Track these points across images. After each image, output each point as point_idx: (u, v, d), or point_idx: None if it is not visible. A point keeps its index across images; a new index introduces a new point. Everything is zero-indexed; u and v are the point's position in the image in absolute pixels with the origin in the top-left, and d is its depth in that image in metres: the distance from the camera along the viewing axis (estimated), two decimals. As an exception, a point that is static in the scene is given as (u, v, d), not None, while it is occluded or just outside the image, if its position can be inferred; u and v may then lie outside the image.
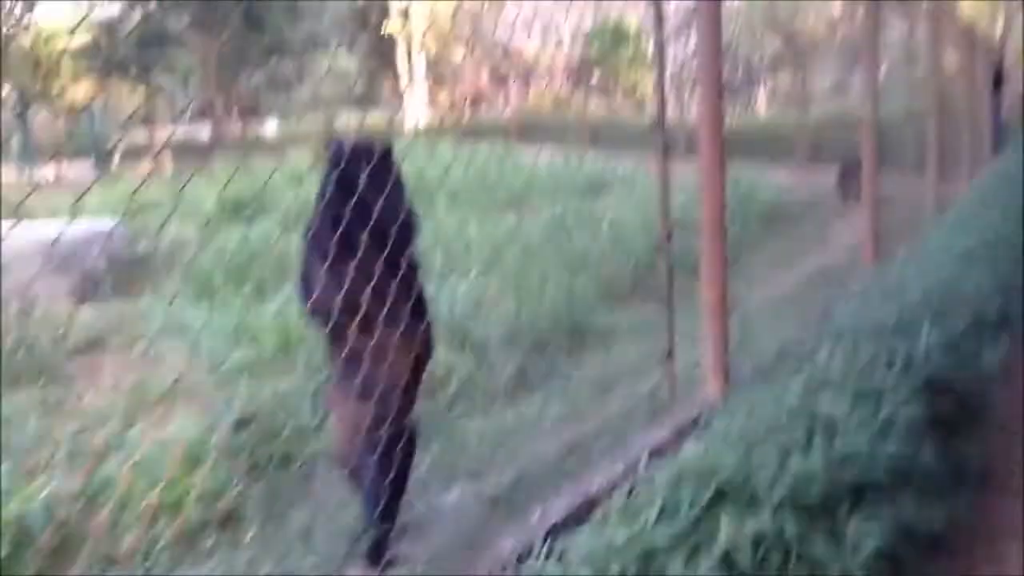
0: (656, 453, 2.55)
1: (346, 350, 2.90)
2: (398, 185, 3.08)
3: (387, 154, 3.11)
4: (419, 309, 3.13)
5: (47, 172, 24.02)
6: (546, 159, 16.58)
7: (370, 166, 2.92)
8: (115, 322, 7.06)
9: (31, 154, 21.80)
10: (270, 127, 32.85)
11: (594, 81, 25.37)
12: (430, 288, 3.53)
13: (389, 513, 3.12)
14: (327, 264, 2.87)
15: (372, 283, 2.80)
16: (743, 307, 5.45)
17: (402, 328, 2.96)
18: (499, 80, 34.22)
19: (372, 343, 2.87)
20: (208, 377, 5.23)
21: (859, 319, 3.19)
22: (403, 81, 35.86)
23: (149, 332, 6.53)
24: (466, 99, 34.33)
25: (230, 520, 3.55)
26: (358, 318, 2.80)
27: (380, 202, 2.90)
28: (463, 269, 7.48)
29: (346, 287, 2.79)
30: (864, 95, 5.99)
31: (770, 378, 2.73)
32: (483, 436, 4.40)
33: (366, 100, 42.55)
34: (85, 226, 9.23)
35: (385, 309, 2.87)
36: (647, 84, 21.58)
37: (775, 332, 5.35)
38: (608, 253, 7.63)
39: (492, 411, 4.76)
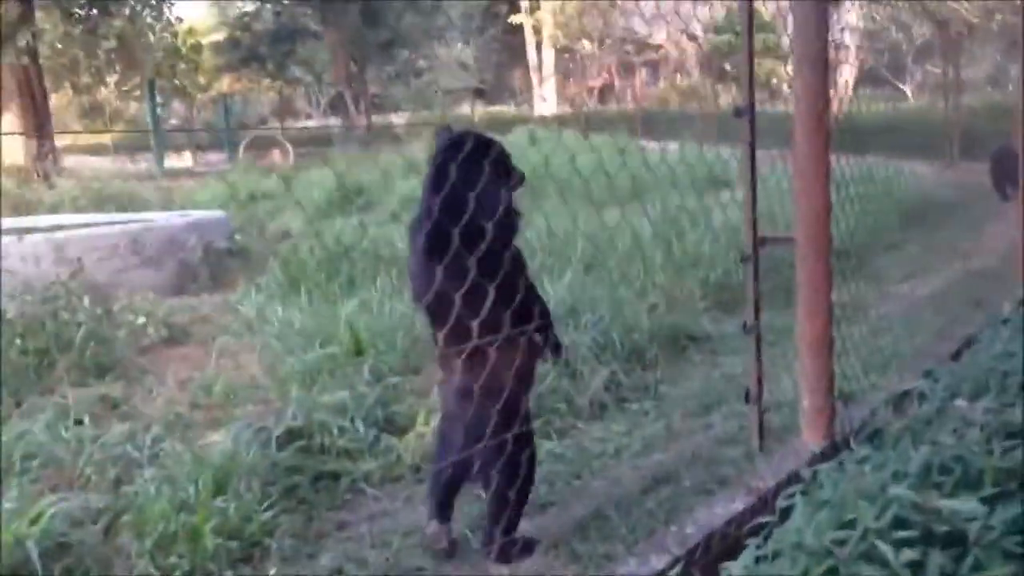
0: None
1: (445, 347, 2.93)
2: (500, 178, 3.00)
3: (491, 145, 3.03)
4: (525, 308, 2.97)
5: (181, 162, 24.74)
6: (670, 151, 15.84)
7: (473, 157, 2.89)
8: (201, 315, 6.84)
9: (163, 146, 22.33)
10: (397, 119, 33.07)
11: (726, 70, 24.31)
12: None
13: (512, 523, 3.03)
14: (424, 256, 2.85)
15: (468, 278, 2.74)
16: (862, 325, 4.74)
17: (506, 328, 2.86)
18: (628, 71, 33.44)
19: (474, 342, 2.81)
20: (272, 380, 4.86)
21: (1010, 357, 2.51)
22: (532, 73, 35.73)
23: (231, 327, 6.26)
24: (593, 91, 33.78)
25: (253, 553, 3.12)
26: (454, 314, 2.75)
27: (479, 195, 2.84)
28: (561, 268, 6.98)
29: (439, 281, 2.75)
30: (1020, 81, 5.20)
31: (885, 437, 2.12)
32: (558, 460, 3.86)
33: (496, 92, 42.66)
34: (192, 217, 9.15)
35: (485, 306, 2.78)
36: (781, 74, 20.50)
37: (900, 361, 4.65)
38: (719, 254, 6.93)
39: (572, 431, 4.22)
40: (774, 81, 23.11)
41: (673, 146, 16.87)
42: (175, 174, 19.04)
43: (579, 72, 34.87)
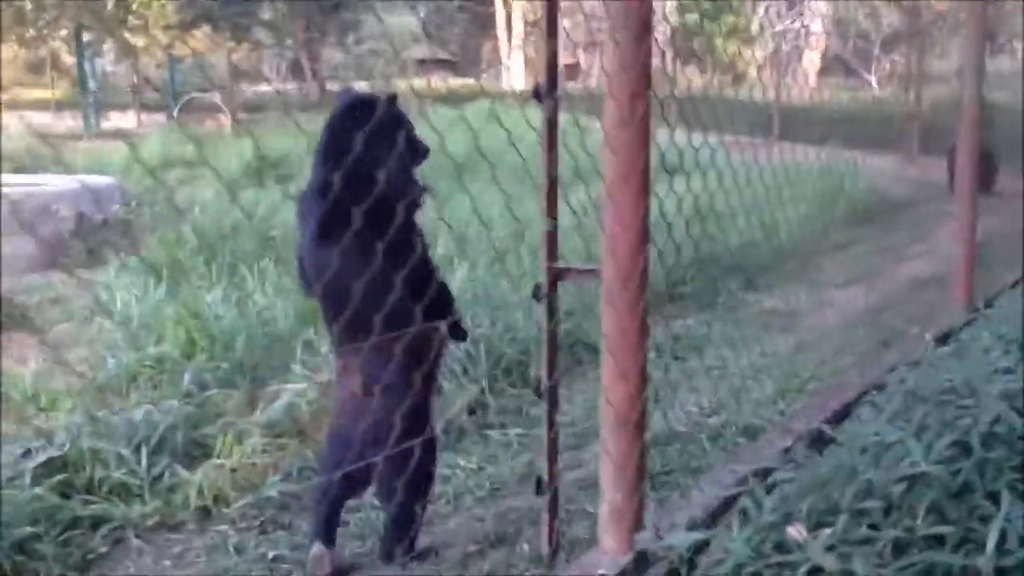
0: None
1: (337, 335, 2.65)
2: (403, 149, 2.62)
3: (393, 112, 2.69)
4: (429, 294, 2.59)
5: (125, 122, 23.67)
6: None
7: (371, 123, 2.47)
8: (53, 297, 6.07)
9: (94, 105, 21.28)
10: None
11: (693, 49, 23.62)
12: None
13: (414, 537, 2.75)
14: (316, 238, 2.57)
15: (365, 263, 2.33)
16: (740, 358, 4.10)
17: (411, 318, 2.50)
18: (595, 48, 32.60)
19: (369, 328, 2.40)
20: (84, 385, 4.13)
21: (883, 451, 1.82)
22: (501, 46, 34.84)
23: (77, 313, 5.51)
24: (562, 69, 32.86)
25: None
26: (350, 304, 2.34)
27: (378, 168, 2.53)
28: (464, 259, 6.30)
29: (332, 266, 2.38)
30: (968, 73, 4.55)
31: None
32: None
33: (465, 64, 41.68)
34: (75, 183, 8.33)
35: (384, 294, 2.40)
36: (747, 55, 19.83)
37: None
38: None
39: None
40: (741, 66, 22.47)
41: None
42: (112, 135, 18.05)
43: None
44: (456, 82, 36.47)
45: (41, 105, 25.42)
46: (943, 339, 3.54)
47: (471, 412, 3.94)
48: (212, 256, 6.49)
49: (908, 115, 14.47)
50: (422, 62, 40.02)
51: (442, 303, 2.75)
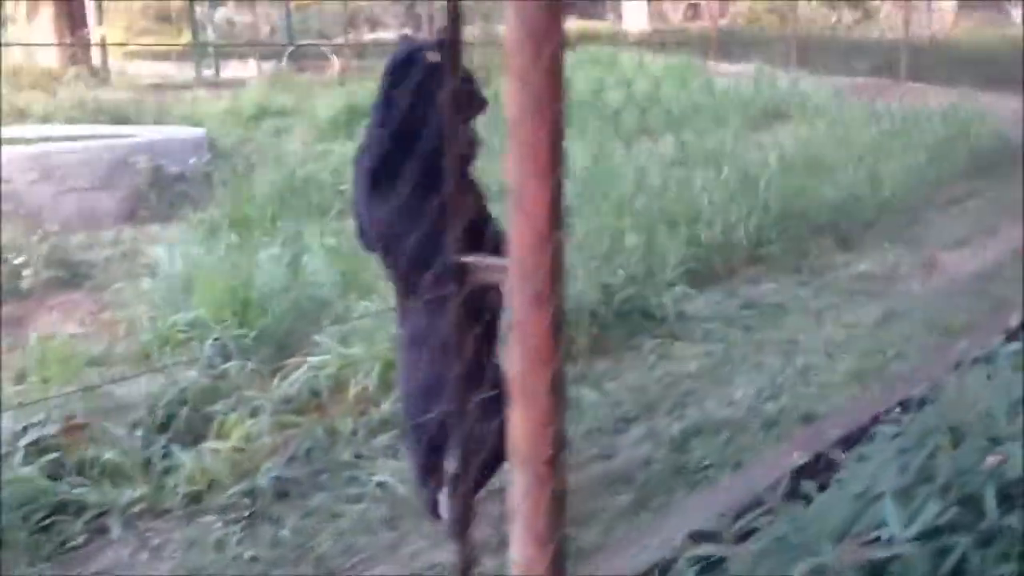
0: None
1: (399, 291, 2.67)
2: (459, 102, 2.18)
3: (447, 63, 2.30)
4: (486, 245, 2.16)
5: (244, 71, 24.01)
6: (742, 77, 14.41)
7: (425, 73, 2.44)
8: (119, 252, 6.04)
9: (203, 54, 21.58)
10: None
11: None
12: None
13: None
14: (368, 189, 2.59)
15: (416, 214, 2.35)
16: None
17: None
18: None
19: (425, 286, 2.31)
20: (121, 349, 4.04)
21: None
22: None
23: (136, 270, 5.46)
24: (680, 6, 31.73)
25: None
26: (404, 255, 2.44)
27: (430, 117, 2.39)
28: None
29: (386, 216, 2.50)
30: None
31: None
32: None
33: (586, 4, 40.76)
34: (160, 134, 8.35)
35: (438, 245, 2.04)
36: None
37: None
38: (719, 209, 5.76)
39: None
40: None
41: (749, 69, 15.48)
42: (225, 85, 18.27)
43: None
44: (576, 24, 35.82)
45: (164, 55, 26.06)
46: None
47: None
48: (280, 211, 6.38)
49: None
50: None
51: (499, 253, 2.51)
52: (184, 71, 23.60)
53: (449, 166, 2.11)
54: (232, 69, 24.37)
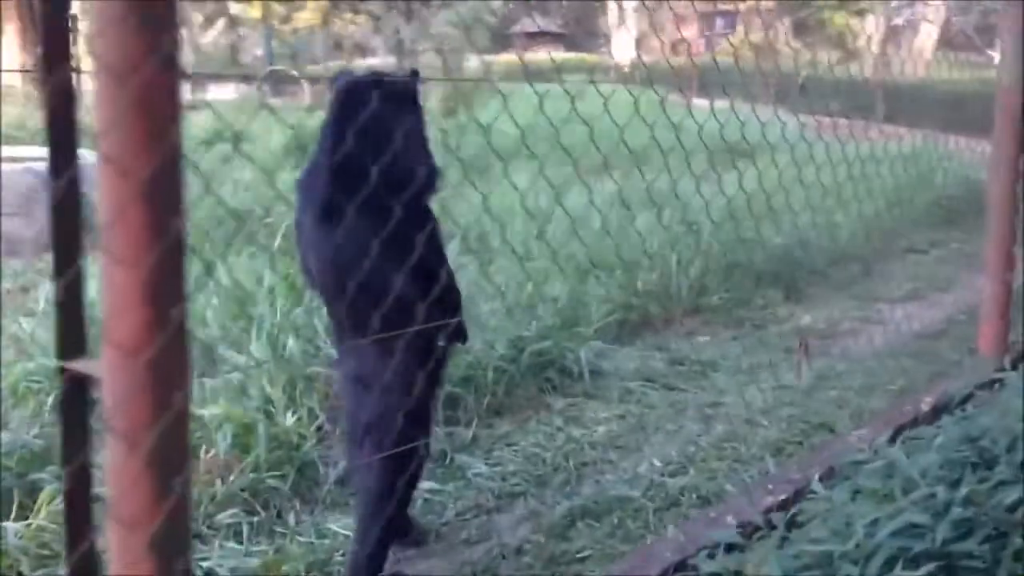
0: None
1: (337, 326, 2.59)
2: (416, 129, 2.53)
3: (406, 90, 2.57)
4: (437, 286, 2.44)
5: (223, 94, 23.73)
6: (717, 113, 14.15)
7: (376, 104, 2.31)
8: (17, 287, 5.68)
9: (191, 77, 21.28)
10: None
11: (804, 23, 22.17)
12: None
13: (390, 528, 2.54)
14: (319, 220, 2.41)
15: (369, 248, 2.23)
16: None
17: (416, 310, 2.38)
18: (705, 21, 31.24)
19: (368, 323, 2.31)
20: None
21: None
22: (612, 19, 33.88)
23: (27, 306, 5.10)
24: (667, 44, 31.67)
25: None
26: (352, 292, 2.29)
27: (387, 147, 2.32)
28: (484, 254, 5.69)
29: (335, 251, 2.35)
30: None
31: None
32: None
33: (577, 37, 40.74)
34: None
35: (390, 282, 2.31)
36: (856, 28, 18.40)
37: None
38: (638, 255, 5.42)
39: (301, 523, 2.91)
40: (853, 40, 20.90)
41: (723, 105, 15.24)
42: (200, 107, 17.92)
43: (656, 22, 32.84)
44: (565, 55, 35.77)
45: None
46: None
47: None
48: (196, 245, 6.03)
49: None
50: (531, 35, 39.43)
51: (450, 299, 2.54)
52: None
53: (409, 199, 2.31)
54: (213, 92, 24.16)
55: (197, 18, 29.48)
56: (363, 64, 28.30)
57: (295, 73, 17.83)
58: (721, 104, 14.48)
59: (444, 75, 17.14)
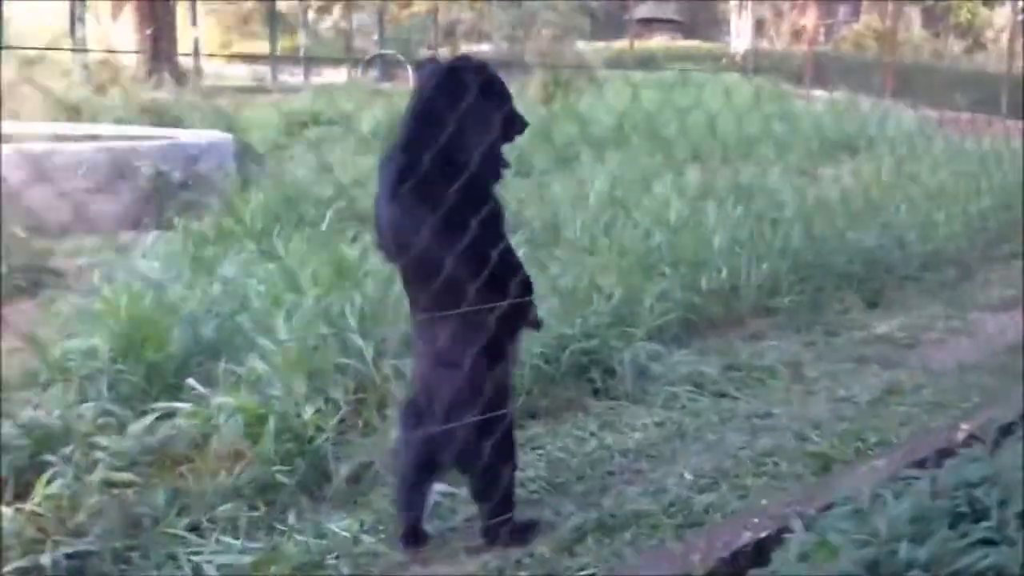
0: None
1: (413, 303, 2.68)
2: (494, 121, 2.64)
3: (491, 82, 2.68)
4: (506, 269, 2.58)
5: (337, 77, 24.10)
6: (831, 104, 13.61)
7: (464, 93, 2.55)
8: (97, 261, 5.78)
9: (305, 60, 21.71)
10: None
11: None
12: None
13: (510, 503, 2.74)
14: (387, 197, 2.55)
15: (431, 228, 2.42)
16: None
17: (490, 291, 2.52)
18: (827, 8, 30.10)
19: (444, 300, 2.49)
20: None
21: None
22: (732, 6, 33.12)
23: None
24: (785, 32, 30.72)
25: None
26: (418, 266, 2.52)
27: (462, 135, 2.51)
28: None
29: (405, 229, 2.50)
30: None
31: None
32: None
33: (696, 25, 39.91)
34: (193, 138, 8.19)
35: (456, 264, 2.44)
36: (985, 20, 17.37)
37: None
38: (729, 251, 5.15)
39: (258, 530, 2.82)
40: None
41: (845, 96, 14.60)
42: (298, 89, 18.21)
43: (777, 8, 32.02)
44: (684, 43, 35.07)
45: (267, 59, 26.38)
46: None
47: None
48: (272, 225, 6.03)
49: None
50: (646, 21, 38.83)
51: (517, 280, 2.62)
52: (280, 75, 23.94)
53: (475, 185, 2.48)
54: (327, 75, 24.57)
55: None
56: (476, 50, 28.40)
57: (401, 57, 17.91)
58: (839, 95, 13.93)
59: (549, 62, 16.95)
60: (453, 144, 2.48)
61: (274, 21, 22.41)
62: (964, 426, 2.49)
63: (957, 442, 2.34)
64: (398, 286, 2.87)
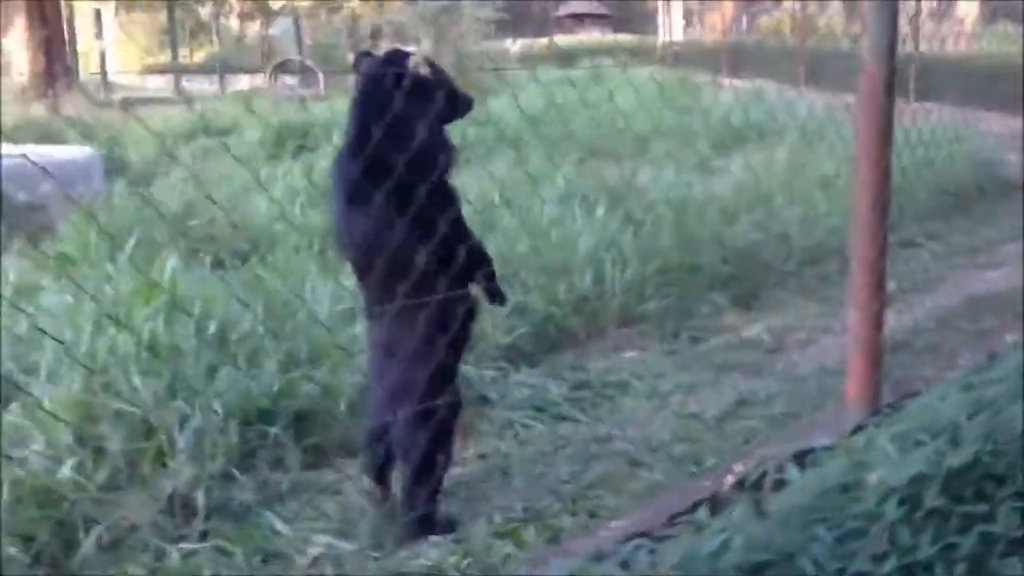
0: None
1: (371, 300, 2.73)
2: (436, 106, 2.66)
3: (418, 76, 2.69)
4: (461, 253, 2.60)
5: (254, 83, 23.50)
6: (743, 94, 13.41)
7: (396, 86, 2.58)
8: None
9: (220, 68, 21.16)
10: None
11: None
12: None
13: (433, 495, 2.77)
14: (343, 197, 2.61)
15: (392, 220, 2.48)
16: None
17: (441, 277, 2.57)
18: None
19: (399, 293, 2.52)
20: None
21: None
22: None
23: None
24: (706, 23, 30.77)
25: None
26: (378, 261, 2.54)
27: (405, 125, 2.54)
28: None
29: (359, 225, 2.57)
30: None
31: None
32: None
33: (625, 19, 39.82)
34: (53, 154, 7.70)
35: (414, 251, 2.51)
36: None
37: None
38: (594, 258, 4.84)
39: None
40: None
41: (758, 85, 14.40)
42: (208, 99, 17.64)
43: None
44: (610, 39, 34.91)
45: (184, 70, 25.67)
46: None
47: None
48: (116, 247, 5.59)
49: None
50: (578, 16, 38.70)
51: (474, 265, 2.68)
52: (192, 85, 23.31)
53: (426, 173, 2.51)
54: (244, 82, 23.94)
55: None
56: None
57: (309, 63, 17.42)
58: (753, 85, 13.54)
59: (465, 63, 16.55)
60: (402, 131, 2.53)
61: (174, 29, 21.76)
62: (738, 467, 2.15)
63: (723, 490, 2.02)
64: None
